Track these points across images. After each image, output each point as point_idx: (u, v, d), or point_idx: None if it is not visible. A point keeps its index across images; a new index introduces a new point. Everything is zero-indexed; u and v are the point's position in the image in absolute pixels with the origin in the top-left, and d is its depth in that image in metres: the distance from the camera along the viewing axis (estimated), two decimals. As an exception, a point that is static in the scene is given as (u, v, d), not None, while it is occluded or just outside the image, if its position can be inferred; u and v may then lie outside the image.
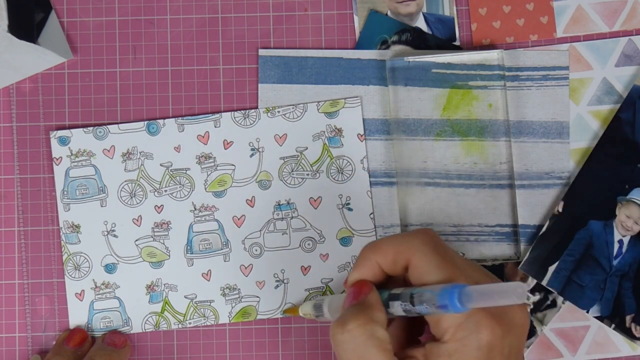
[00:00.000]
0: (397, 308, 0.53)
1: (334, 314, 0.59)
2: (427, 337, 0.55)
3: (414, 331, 0.58)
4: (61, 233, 0.70)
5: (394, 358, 0.52)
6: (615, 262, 0.70)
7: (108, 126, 0.71)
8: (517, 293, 0.46)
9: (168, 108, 0.71)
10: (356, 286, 0.55)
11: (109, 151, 0.71)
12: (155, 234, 0.70)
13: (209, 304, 0.70)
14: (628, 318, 0.70)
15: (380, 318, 0.53)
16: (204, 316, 0.70)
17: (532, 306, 0.70)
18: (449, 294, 0.49)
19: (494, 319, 0.51)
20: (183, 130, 0.71)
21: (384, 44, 0.72)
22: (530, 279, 0.70)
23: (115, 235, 0.70)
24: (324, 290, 0.70)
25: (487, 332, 0.51)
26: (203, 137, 0.71)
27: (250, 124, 0.71)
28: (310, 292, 0.70)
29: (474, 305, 0.49)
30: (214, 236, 0.70)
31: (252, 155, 0.71)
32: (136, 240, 0.70)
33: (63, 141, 0.71)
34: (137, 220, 0.70)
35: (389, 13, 0.72)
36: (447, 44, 0.72)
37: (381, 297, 0.54)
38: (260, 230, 0.71)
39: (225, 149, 0.71)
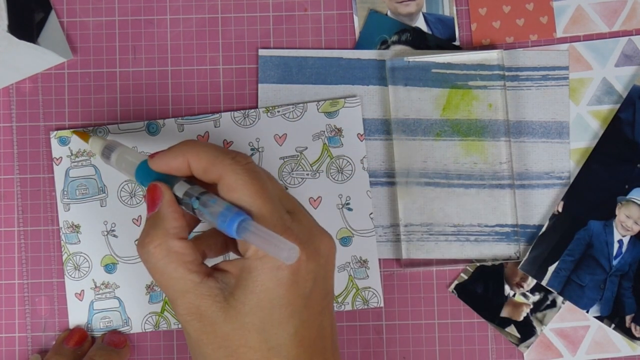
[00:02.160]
0: (193, 211, 0.54)
1: (123, 169, 0.61)
2: None
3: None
4: (61, 233, 0.70)
5: (197, 268, 0.53)
6: (615, 262, 0.70)
7: (108, 126, 0.71)
8: (286, 253, 0.48)
9: (168, 108, 0.71)
10: (153, 191, 0.55)
11: (108, 151, 0.71)
12: (155, 233, 0.70)
13: (208, 304, 0.70)
14: (628, 318, 0.70)
15: (175, 228, 0.54)
16: (204, 316, 0.70)
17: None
18: (230, 219, 0.51)
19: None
20: (183, 130, 0.71)
21: (384, 44, 0.72)
22: (530, 278, 0.71)
23: (115, 235, 0.70)
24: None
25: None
26: (203, 137, 0.71)
27: (250, 124, 0.71)
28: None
29: (247, 240, 0.50)
30: (214, 236, 0.70)
31: (252, 155, 0.71)
32: (136, 240, 0.70)
33: (63, 141, 0.71)
34: (137, 220, 0.70)
35: (388, 13, 0.72)
36: (447, 44, 0.72)
37: (178, 191, 0.55)
38: (260, 230, 0.70)
39: (225, 148, 0.71)
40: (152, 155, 0.57)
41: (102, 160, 0.64)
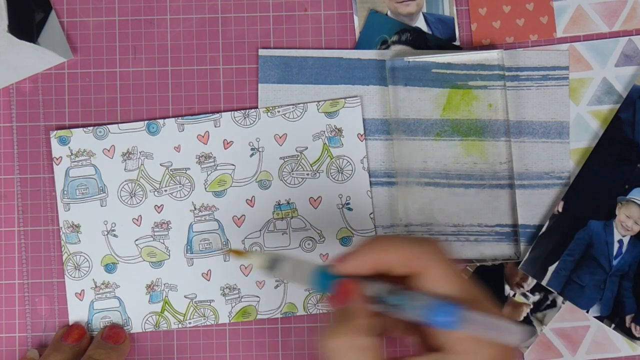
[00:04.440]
0: (387, 308, 0.53)
1: (296, 278, 0.57)
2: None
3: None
4: (61, 233, 0.70)
5: None
6: (615, 262, 0.70)
7: (108, 126, 0.71)
8: (519, 334, 0.47)
9: (168, 108, 0.71)
10: (344, 287, 0.54)
11: (109, 151, 0.71)
12: (155, 233, 0.70)
13: (209, 303, 0.70)
14: (628, 318, 0.70)
15: (365, 325, 0.52)
16: (204, 316, 0.70)
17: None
18: (444, 312, 0.49)
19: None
20: (183, 130, 0.71)
21: (384, 44, 0.72)
22: (530, 278, 0.71)
23: (115, 235, 0.70)
24: (324, 290, 0.70)
25: (489, 350, 0.51)
26: (203, 136, 0.71)
27: (250, 124, 0.71)
28: (311, 292, 0.70)
29: (470, 330, 0.49)
30: (214, 236, 0.70)
31: (252, 155, 0.71)
32: (136, 240, 0.70)
33: (63, 141, 0.71)
34: (137, 220, 0.70)
35: (389, 13, 0.72)
36: (447, 44, 0.72)
37: (371, 291, 0.53)
38: (260, 230, 0.71)
39: (225, 148, 0.71)
40: (339, 260, 0.55)
41: (266, 273, 0.59)
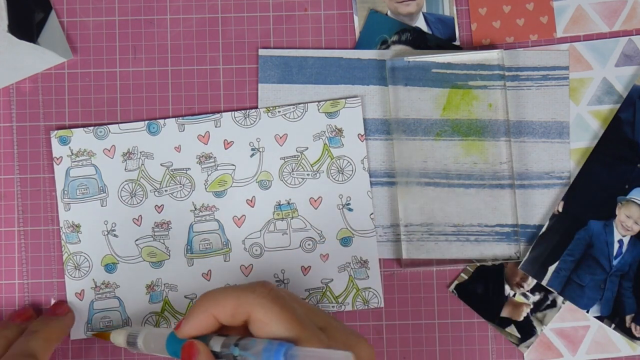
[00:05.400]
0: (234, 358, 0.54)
1: (152, 350, 0.60)
2: None
3: None
4: (61, 233, 0.70)
5: None
6: (615, 262, 0.70)
7: (109, 126, 0.71)
8: None
9: (168, 108, 0.71)
10: (188, 348, 0.55)
11: (109, 151, 0.71)
12: (156, 233, 0.70)
13: (209, 303, 0.70)
14: (628, 318, 0.70)
15: None
16: (204, 316, 0.70)
17: None
18: (275, 353, 0.50)
19: None
20: (183, 130, 0.71)
21: (384, 44, 0.72)
22: (530, 278, 0.71)
23: (115, 235, 0.70)
24: (324, 290, 0.70)
25: None
26: (203, 137, 0.71)
27: (251, 124, 0.71)
28: (311, 292, 0.70)
29: None
30: (214, 236, 0.70)
31: (252, 155, 0.71)
32: (136, 240, 0.70)
33: (63, 141, 0.71)
34: (138, 220, 0.70)
35: (389, 13, 0.72)
36: (447, 43, 0.72)
37: (215, 346, 0.54)
38: (260, 230, 0.71)
39: (225, 149, 0.71)
40: (177, 326, 0.56)
41: (130, 349, 0.63)
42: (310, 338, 0.53)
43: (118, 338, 0.64)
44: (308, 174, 0.71)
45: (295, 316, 0.53)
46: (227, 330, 0.56)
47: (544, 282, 0.70)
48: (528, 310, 0.71)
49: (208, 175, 0.70)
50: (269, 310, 0.53)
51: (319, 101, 0.71)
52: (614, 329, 0.70)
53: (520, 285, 0.71)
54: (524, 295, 0.71)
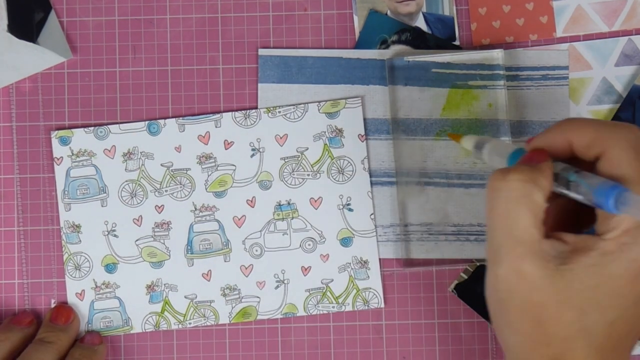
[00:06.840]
0: (565, 187, 0.51)
1: (493, 159, 0.58)
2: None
3: (584, 221, 0.55)
4: (62, 233, 0.70)
5: (540, 226, 0.50)
6: (615, 262, 0.70)
7: (109, 126, 0.71)
8: None
9: (168, 108, 0.71)
10: (534, 152, 0.53)
11: (109, 151, 0.71)
12: (156, 234, 0.70)
13: (209, 304, 0.70)
14: (627, 318, 0.70)
15: (544, 185, 0.51)
16: (204, 316, 0.70)
17: None
18: (606, 193, 0.48)
19: None
20: (184, 131, 0.71)
21: (384, 44, 0.72)
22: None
23: (115, 235, 0.70)
24: (324, 290, 0.70)
25: None
26: (204, 137, 0.71)
27: (251, 124, 0.71)
28: (311, 292, 0.70)
29: (626, 212, 0.47)
30: (215, 236, 0.70)
31: (252, 155, 0.71)
32: (136, 240, 0.70)
33: (64, 141, 0.70)
34: (138, 220, 0.70)
35: (388, 13, 0.72)
36: (446, 43, 0.72)
37: (555, 168, 0.52)
38: (260, 231, 0.71)
39: (225, 149, 0.71)
40: (529, 140, 0.55)
41: (475, 154, 0.61)
42: None
43: (469, 142, 0.61)
44: (308, 174, 0.71)
45: None
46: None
47: (543, 282, 0.70)
48: (528, 310, 0.71)
49: (208, 176, 0.70)
50: (625, 153, 0.50)
51: (319, 101, 0.71)
52: (614, 328, 0.70)
53: (520, 285, 0.71)
54: (524, 295, 0.71)
